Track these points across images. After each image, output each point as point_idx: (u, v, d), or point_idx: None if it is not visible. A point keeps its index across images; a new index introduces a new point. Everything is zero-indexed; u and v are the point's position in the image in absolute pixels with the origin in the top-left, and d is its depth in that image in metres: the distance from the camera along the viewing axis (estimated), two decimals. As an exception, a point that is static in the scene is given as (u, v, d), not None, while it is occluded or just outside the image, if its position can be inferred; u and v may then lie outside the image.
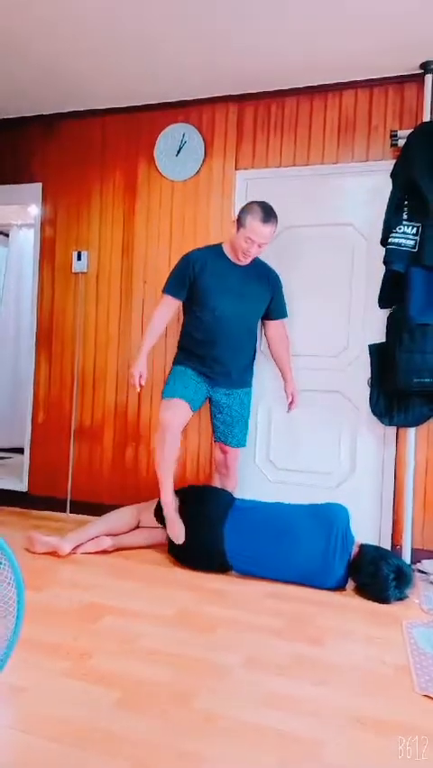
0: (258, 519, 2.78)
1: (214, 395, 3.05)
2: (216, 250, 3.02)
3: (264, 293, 3.05)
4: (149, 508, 3.06)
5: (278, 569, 2.69)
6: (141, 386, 2.97)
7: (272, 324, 3.14)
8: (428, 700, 1.77)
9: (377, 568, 2.54)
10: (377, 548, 2.70)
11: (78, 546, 2.96)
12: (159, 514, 2.99)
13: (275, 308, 3.11)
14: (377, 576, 2.53)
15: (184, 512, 2.87)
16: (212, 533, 2.75)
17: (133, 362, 3.01)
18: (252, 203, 2.89)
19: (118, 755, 1.44)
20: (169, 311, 3.03)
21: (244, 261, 2.94)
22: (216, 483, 3.20)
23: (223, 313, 2.93)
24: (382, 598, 2.53)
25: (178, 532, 2.83)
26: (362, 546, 2.68)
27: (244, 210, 2.87)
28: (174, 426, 2.85)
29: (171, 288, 3.00)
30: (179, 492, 3.02)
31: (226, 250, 3.00)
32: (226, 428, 3.07)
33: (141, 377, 2.94)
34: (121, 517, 3.08)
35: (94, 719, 1.59)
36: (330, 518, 2.70)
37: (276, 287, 3.10)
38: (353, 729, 1.61)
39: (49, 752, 1.44)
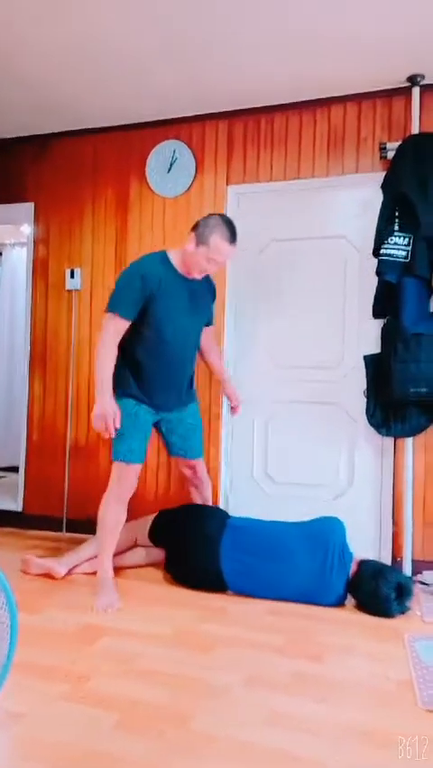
0: (253, 538, 2.73)
1: (164, 417, 2.85)
2: (164, 261, 2.68)
3: (209, 304, 2.93)
4: (144, 527, 3.01)
5: (275, 588, 2.64)
6: (116, 429, 2.60)
7: (206, 331, 2.98)
8: (432, 715, 1.74)
9: (377, 586, 2.49)
10: (375, 564, 2.64)
11: (75, 567, 2.93)
12: (152, 534, 2.95)
13: (209, 316, 2.98)
14: (377, 595, 2.48)
15: (180, 530, 2.84)
16: (209, 551, 2.70)
17: (98, 404, 2.57)
18: (213, 217, 2.63)
19: (117, 781, 1.41)
20: (118, 335, 2.60)
21: (198, 277, 2.71)
22: (195, 496, 3.11)
23: (175, 336, 2.69)
24: (383, 616, 2.49)
25: (110, 600, 2.54)
26: (360, 563, 2.62)
27: (205, 226, 2.59)
28: (128, 497, 2.78)
29: (123, 305, 2.58)
30: (172, 512, 2.99)
31: (175, 262, 2.68)
32: (184, 442, 2.93)
33: (115, 417, 2.58)
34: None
35: (93, 743, 1.55)
36: (326, 535, 2.65)
37: (214, 295, 2.97)
38: (355, 746, 1.57)
39: (45, 779, 1.41)
